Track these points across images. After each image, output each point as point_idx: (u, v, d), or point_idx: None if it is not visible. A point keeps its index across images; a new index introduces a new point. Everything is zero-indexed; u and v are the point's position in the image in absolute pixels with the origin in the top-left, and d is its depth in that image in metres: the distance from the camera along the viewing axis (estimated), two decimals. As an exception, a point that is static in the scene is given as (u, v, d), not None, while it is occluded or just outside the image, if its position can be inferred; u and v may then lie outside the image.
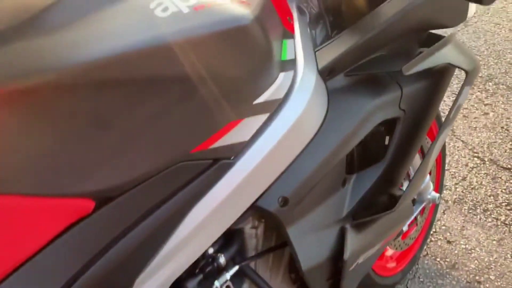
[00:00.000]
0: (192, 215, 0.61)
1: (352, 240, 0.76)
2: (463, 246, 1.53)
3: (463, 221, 1.62)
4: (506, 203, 1.69)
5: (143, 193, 0.56)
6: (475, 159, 1.90)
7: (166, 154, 0.57)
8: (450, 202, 1.70)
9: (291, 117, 0.67)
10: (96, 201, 0.53)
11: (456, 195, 1.73)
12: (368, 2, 0.83)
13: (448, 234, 1.57)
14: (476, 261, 1.48)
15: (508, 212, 1.65)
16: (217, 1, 0.56)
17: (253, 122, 0.64)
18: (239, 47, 0.56)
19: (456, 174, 1.81)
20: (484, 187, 1.76)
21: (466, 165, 1.87)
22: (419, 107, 0.87)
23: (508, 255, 1.49)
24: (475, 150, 1.95)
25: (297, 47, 0.74)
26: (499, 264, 1.47)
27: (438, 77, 0.90)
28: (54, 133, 0.49)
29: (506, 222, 1.62)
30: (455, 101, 0.89)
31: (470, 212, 1.65)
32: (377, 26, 0.77)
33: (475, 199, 1.71)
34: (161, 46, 0.49)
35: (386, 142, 0.87)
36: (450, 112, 0.89)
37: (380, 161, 0.85)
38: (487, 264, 1.47)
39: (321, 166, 0.71)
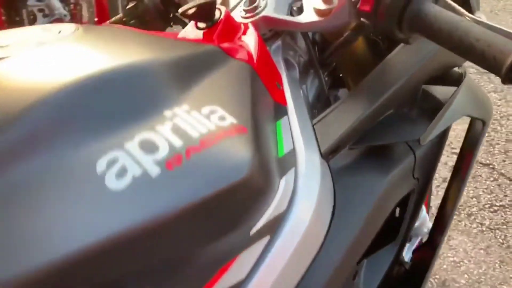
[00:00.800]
0: None
1: None
2: (451, 259, 1.47)
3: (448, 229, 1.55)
4: (489, 205, 1.63)
5: None
6: (454, 156, 1.83)
7: None
8: (433, 208, 1.63)
9: (297, 231, 0.52)
10: None
11: (439, 199, 1.65)
12: (371, 53, 0.67)
13: (435, 246, 1.50)
14: (466, 275, 1.42)
15: (491, 215, 1.60)
16: (199, 143, 0.38)
17: (251, 254, 0.48)
18: (233, 204, 0.40)
19: (437, 175, 1.73)
20: (466, 188, 1.69)
21: (446, 163, 1.79)
22: (429, 167, 0.74)
23: (497, 265, 1.44)
24: (452, 146, 1.87)
25: (292, 124, 0.58)
26: (488, 276, 1.41)
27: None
28: None
29: (491, 227, 1.56)
30: (469, 162, 0.76)
31: (455, 218, 1.59)
32: (389, 85, 0.61)
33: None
34: (119, 241, 0.32)
35: (397, 214, 0.74)
36: (464, 177, 0.77)
37: (394, 241, 0.72)
38: (477, 277, 1.41)
39: (332, 277, 0.57)
